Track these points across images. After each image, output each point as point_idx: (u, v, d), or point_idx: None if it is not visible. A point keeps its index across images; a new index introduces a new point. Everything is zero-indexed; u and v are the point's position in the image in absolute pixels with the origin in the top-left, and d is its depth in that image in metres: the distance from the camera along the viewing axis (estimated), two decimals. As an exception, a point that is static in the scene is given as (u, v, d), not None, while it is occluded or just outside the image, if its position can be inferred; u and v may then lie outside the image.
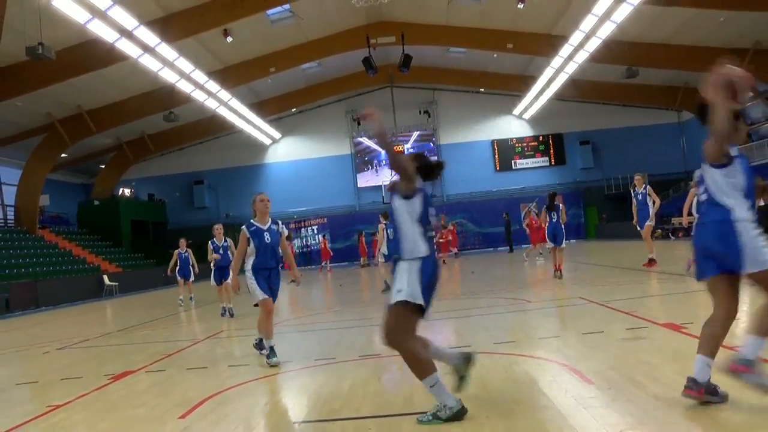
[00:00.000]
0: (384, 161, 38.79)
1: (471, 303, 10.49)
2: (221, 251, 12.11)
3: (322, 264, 31.09)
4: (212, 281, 12.16)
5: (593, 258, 17.33)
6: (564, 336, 6.56)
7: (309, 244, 36.99)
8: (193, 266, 15.61)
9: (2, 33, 19.97)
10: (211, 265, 12.06)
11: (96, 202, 35.32)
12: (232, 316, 11.70)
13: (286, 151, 39.75)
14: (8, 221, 30.79)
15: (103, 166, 37.78)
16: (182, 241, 15.80)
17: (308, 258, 36.97)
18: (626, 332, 6.36)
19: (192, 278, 15.62)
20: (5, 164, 32.36)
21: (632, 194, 13.44)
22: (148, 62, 22.95)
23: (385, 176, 37.97)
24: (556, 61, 28.47)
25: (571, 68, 28.99)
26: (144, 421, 4.73)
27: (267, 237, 6.79)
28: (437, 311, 9.96)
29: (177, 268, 15.41)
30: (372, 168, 39.16)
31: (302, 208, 38.43)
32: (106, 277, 25.74)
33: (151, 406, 5.15)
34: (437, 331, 8.17)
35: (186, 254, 15.57)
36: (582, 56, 27.18)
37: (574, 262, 18.41)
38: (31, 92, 23.60)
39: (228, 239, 12.35)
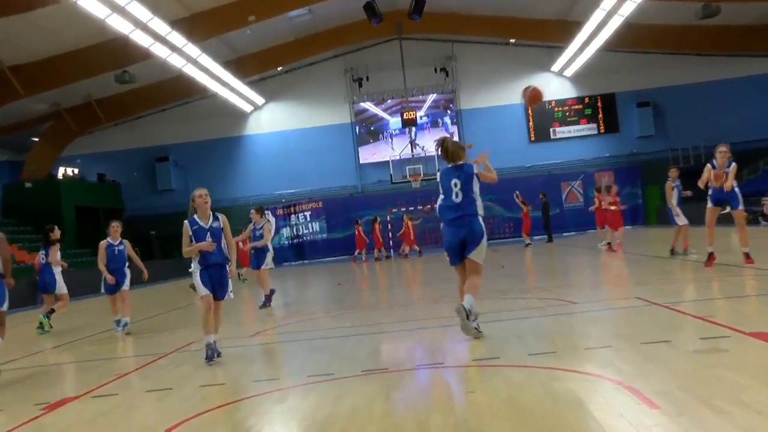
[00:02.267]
0: (392, 131, 38.74)
1: (500, 305, 10.43)
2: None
3: (356, 254, 31.56)
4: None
5: (655, 248, 17.20)
6: (618, 346, 6.49)
7: (300, 233, 37.00)
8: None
9: None
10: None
11: (28, 185, 35.09)
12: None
13: (271, 121, 39.79)
14: None
15: (37, 139, 37.74)
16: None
17: (301, 251, 37.01)
18: (700, 342, 6.27)
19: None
20: None
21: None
22: (93, 6, 22.76)
23: (395, 150, 37.91)
24: (608, 1, 28.16)
25: (628, 9, 28.67)
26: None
27: (208, 236, 7.72)
28: (456, 316, 9.91)
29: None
30: (377, 140, 39.11)
31: (292, 189, 38.50)
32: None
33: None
34: (458, 340, 8.13)
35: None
36: (643, -9, 26.82)
37: (630, 254, 18.32)
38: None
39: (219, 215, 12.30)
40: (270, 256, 14.44)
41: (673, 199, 14.88)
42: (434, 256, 28.13)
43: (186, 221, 7.84)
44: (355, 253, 31.49)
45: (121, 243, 12.18)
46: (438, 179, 7.74)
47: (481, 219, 7.56)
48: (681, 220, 14.64)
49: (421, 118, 38.50)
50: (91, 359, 9.38)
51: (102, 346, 10.63)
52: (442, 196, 7.64)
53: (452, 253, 7.64)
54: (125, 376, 7.72)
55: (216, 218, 7.97)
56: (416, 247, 30.83)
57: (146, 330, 12.30)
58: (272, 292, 14.16)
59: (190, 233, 7.79)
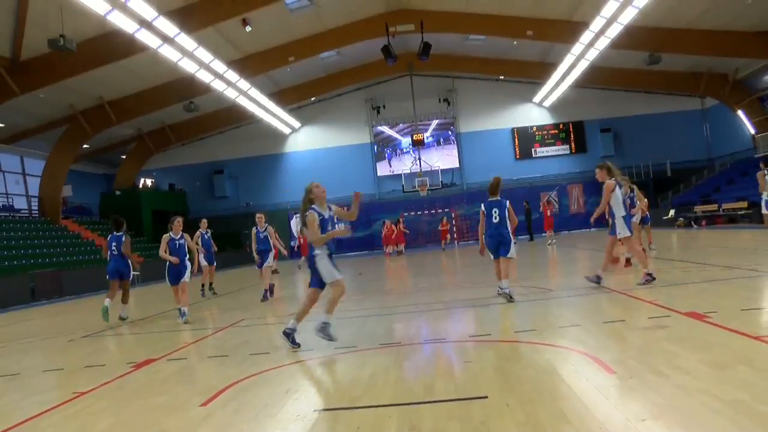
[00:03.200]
0: (404, 149, 38.75)
1: (492, 291, 10.46)
2: (261, 237, 13.22)
3: (389, 249, 31.22)
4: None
5: (617, 248, 17.21)
6: (585, 325, 6.53)
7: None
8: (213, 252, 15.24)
9: (26, 26, 20.23)
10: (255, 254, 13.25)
11: (117, 192, 35.71)
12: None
13: (306, 140, 39.82)
14: (32, 212, 31.25)
15: (124, 157, 38.15)
16: (203, 222, 15.44)
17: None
18: (648, 321, 6.31)
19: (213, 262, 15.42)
20: (29, 155, 32.84)
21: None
22: (168, 53, 23.10)
23: (406, 164, 37.91)
24: (577, 48, 28.13)
25: (592, 55, 28.62)
26: (166, 408, 4.80)
27: (338, 225, 7.33)
28: (458, 300, 9.97)
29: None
30: (393, 156, 39.08)
31: (322, 197, 38.50)
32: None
33: (173, 394, 5.21)
34: (458, 320, 8.18)
35: (208, 236, 15.17)
36: (603, 43, 26.80)
37: (594, 251, 18.26)
38: (53, 84, 23.83)
39: (269, 227, 13.49)
40: (272, 255, 13.29)
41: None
42: (419, 252, 28.02)
43: (312, 212, 6.81)
44: (388, 250, 31.21)
45: (182, 237, 10.89)
46: (482, 207, 9.44)
47: (510, 232, 9.21)
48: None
49: (427, 138, 38.48)
50: (164, 330, 9.48)
51: (172, 321, 10.73)
52: (485, 217, 9.36)
53: (493, 252, 9.27)
54: (191, 345, 7.82)
55: (330, 209, 7.11)
56: (396, 248, 30.67)
57: (206, 308, 12.39)
58: (271, 287, 13.10)
59: (318, 222, 6.80)
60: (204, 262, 15.16)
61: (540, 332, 6.42)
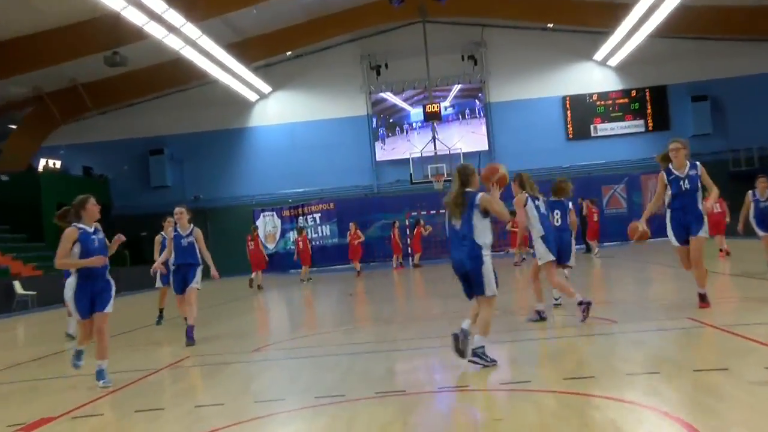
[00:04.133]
0: (413, 125, 38.76)
1: (531, 323, 10.39)
2: (183, 245, 11.68)
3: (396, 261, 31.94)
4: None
5: (709, 262, 17.02)
6: (666, 372, 6.46)
7: (309, 238, 36.97)
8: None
9: None
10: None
11: (4, 178, 34.90)
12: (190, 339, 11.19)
13: (278, 111, 39.85)
14: None
15: (15, 127, 37.90)
16: (170, 220, 13.69)
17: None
18: (765, 373, 6.21)
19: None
20: None
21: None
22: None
23: (415, 145, 37.89)
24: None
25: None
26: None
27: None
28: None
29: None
30: (396, 134, 39.10)
31: (300, 189, 38.54)
32: (18, 284, 25.25)
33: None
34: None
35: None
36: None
37: (676, 267, 18.17)
38: None
39: (196, 229, 11.96)
40: (200, 271, 11.93)
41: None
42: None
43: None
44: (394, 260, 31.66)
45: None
46: (543, 208, 10.51)
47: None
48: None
49: (446, 109, 38.47)
50: (72, 375, 9.38)
51: (85, 360, 10.65)
52: (541, 217, 10.42)
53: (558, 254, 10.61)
54: (112, 394, 7.75)
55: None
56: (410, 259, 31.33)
57: (137, 342, 12.35)
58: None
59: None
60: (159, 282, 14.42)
61: (600, 380, 6.36)
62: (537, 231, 10.32)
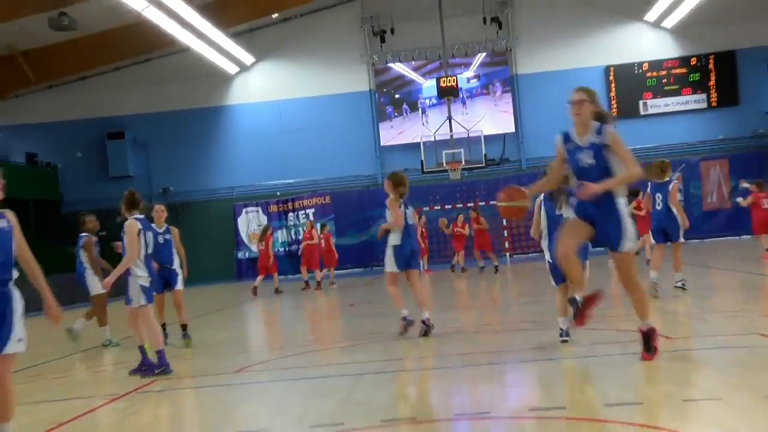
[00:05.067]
0: (425, 101, 38.78)
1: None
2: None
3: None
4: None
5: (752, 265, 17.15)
6: (732, 399, 6.45)
7: (301, 238, 37.00)
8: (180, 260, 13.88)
9: None
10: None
11: (-73, 165, 35.44)
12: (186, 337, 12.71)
13: (263, 87, 39.86)
14: None
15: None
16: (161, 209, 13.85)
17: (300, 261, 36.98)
18: None
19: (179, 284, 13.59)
20: None
21: None
22: None
23: (428, 127, 37.88)
24: None
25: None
26: None
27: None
28: (507, 350, 10.00)
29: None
30: (404, 113, 39.10)
31: (290, 179, 38.60)
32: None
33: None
34: (510, 382, 8.20)
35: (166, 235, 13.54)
36: None
37: (744, 272, 18.23)
38: None
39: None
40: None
41: None
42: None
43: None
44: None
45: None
46: (411, 217, 11.94)
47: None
48: None
49: (468, 81, 38.48)
50: (20, 403, 9.47)
51: (32, 385, 10.75)
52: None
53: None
54: (62, 426, 7.83)
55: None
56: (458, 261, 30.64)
57: (92, 363, 12.45)
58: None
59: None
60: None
61: (650, 408, 6.40)
62: (392, 239, 11.83)
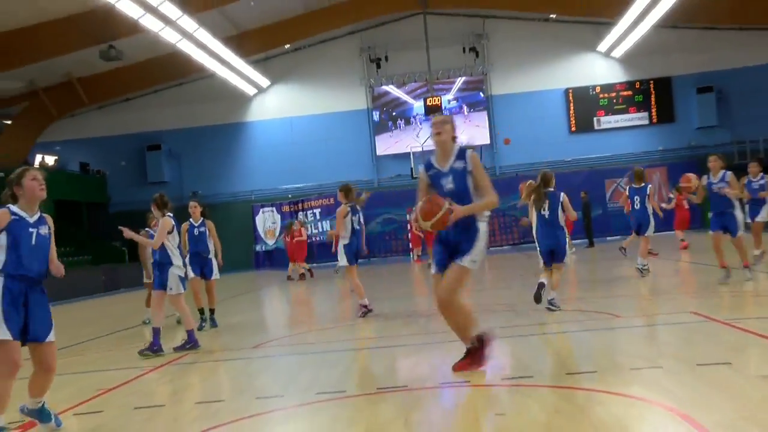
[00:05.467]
0: (415, 118, 38.72)
1: (533, 317, 10.41)
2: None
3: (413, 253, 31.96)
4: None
5: (713, 257, 17.09)
6: (670, 367, 6.48)
7: (309, 233, 36.93)
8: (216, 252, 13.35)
9: None
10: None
11: (-1, 174, 35.23)
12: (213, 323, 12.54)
13: (277, 105, 39.83)
14: None
15: (9, 122, 37.86)
16: (193, 205, 13.53)
17: (309, 253, 36.70)
18: (768, 366, 6.25)
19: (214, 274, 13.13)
20: None
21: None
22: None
23: (419, 140, 37.87)
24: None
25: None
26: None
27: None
28: (488, 327, 9.91)
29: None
30: (398, 128, 39.06)
31: (299, 184, 38.53)
32: None
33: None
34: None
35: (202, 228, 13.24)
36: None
37: (680, 261, 18.24)
38: None
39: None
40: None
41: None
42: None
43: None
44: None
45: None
46: (357, 222, 12.34)
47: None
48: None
49: (450, 102, 38.52)
50: (70, 372, 9.40)
51: (82, 357, 10.69)
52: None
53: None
54: (110, 391, 7.76)
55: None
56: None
57: (135, 339, 12.37)
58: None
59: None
60: (191, 273, 13.02)
61: (603, 375, 6.38)
62: (344, 239, 12.29)
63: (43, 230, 6.00)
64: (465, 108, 38.94)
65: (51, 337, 5.82)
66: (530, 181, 12.26)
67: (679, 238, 22.22)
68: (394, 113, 39.13)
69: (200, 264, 12.70)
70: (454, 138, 7.05)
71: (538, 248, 11.09)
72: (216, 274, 12.85)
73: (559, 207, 10.78)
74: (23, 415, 5.92)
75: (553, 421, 5.01)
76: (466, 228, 6.71)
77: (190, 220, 12.99)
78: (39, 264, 5.89)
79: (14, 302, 5.55)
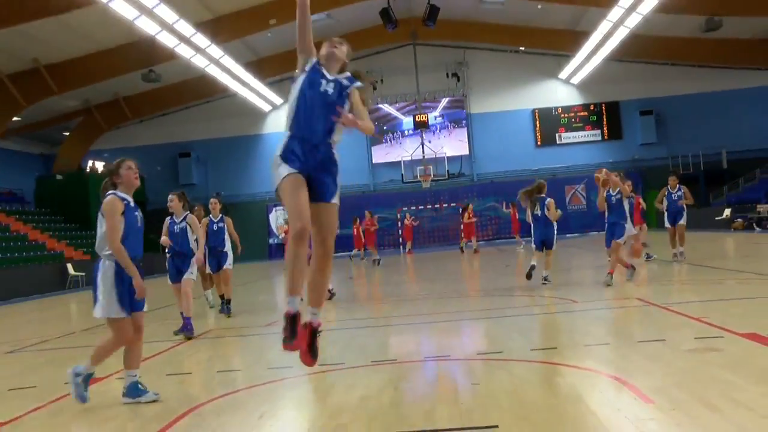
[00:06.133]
0: (405, 132, 38.71)
1: (504, 302, 10.44)
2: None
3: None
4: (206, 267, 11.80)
5: (655, 252, 17.20)
6: (617, 344, 6.54)
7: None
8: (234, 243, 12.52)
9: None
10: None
11: (59, 177, 35.04)
12: (227, 311, 11.50)
13: (288, 120, 39.80)
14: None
15: (68, 134, 37.93)
16: (214, 202, 12.61)
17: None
18: (695, 342, 6.27)
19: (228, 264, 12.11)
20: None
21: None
22: (122, 8, 22.90)
23: (406, 150, 37.88)
24: (615, 13, 27.99)
25: (634, 21, 28.49)
26: (116, 434, 4.75)
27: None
28: (463, 310, 9.94)
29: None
30: (391, 140, 39.06)
31: (306, 187, 38.52)
32: (70, 266, 25.74)
33: (124, 419, 5.16)
34: (464, 334, 8.16)
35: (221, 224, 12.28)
36: (648, 5, 26.64)
37: (628, 258, 18.22)
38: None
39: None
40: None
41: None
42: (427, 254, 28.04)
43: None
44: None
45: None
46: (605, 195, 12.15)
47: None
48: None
49: (435, 118, 38.61)
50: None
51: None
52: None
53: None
54: (147, 360, 7.74)
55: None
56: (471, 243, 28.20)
57: (168, 317, 12.35)
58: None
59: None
60: (208, 269, 12.49)
61: (562, 351, 6.42)
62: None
63: (140, 214, 5.94)
64: (449, 124, 38.98)
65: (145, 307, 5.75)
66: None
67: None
68: (385, 127, 39.14)
69: (217, 257, 11.78)
70: (345, 64, 5.61)
71: (533, 239, 11.82)
72: (229, 264, 11.70)
73: (545, 209, 11.62)
74: (133, 399, 5.54)
75: (519, 389, 5.01)
76: (331, 160, 5.38)
77: (210, 216, 12.03)
78: (140, 246, 5.78)
79: (124, 283, 5.46)
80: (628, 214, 11.97)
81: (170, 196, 10.36)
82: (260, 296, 16.20)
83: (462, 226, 28.06)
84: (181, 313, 9.40)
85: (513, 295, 11.23)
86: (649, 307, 8.60)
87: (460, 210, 29.05)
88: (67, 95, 31.76)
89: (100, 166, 37.04)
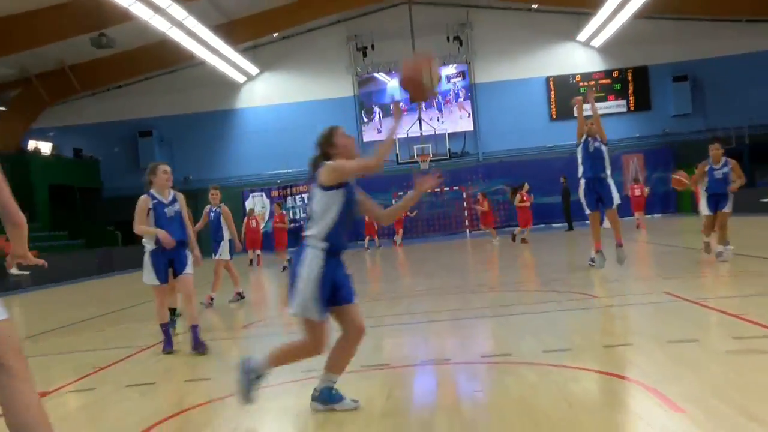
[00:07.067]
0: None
1: (513, 298, 10.47)
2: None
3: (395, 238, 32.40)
4: None
5: (686, 240, 17.25)
6: (641, 345, 6.54)
7: (297, 217, 37.05)
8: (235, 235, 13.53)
9: None
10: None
11: (-7, 159, 34.98)
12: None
13: (266, 93, 39.70)
14: None
15: (3, 109, 37.52)
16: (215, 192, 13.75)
17: (297, 237, 36.81)
18: (733, 343, 6.27)
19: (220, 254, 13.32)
20: None
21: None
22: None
23: (402, 128, 37.85)
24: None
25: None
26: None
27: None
28: (466, 309, 9.97)
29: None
30: (383, 116, 39.01)
31: (287, 170, 38.42)
32: (11, 264, 25.40)
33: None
34: (467, 335, 8.18)
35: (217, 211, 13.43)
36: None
37: (656, 245, 18.31)
38: None
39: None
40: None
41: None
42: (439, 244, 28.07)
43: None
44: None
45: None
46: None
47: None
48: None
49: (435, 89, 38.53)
50: (65, 351, 9.44)
51: (77, 337, 10.70)
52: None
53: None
54: (104, 369, 7.78)
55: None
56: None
57: (126, 320, 12.38)
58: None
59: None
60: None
61: (578, 353, 6.43)
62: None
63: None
64: (450, 95, 38.88)
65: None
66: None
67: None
68: (378, 102, 39.06)
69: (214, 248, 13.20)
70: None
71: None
72: (221, 254, 13.16)
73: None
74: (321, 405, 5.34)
75: (528, 397, 5.05)
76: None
77: (209, 205, 13.41)
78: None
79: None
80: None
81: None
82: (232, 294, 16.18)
83: (517, 211, 25.47)
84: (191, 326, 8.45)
85: (521, 290, 11.28)
86: (679, 303, 8.62)
87: (509, 191, 26.97)
88: (0, 61, 31.47)
89: (45, 146, 36.74)
